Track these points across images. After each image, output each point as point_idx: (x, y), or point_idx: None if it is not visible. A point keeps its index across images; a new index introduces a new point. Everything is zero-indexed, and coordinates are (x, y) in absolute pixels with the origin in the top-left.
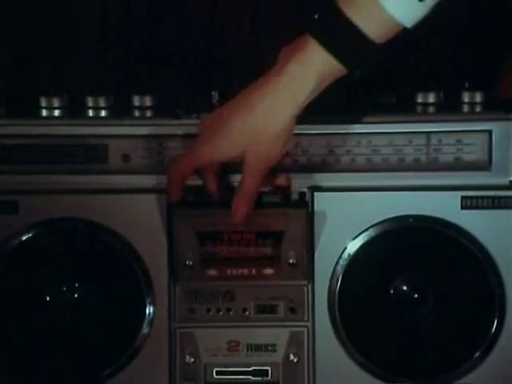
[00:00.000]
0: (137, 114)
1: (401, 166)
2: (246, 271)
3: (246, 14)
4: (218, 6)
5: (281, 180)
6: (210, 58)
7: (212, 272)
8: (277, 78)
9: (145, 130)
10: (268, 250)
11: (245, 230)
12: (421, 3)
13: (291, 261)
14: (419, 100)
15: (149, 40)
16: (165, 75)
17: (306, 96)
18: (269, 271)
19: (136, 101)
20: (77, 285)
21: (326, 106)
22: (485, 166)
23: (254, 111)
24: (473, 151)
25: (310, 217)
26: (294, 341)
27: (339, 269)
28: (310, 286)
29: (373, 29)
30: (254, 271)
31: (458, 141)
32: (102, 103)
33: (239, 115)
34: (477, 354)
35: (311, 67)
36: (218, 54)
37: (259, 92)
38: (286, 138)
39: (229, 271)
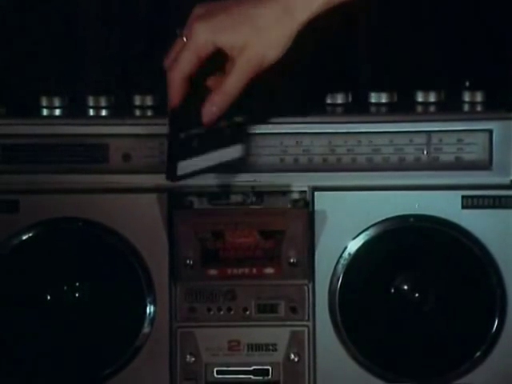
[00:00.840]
0: (137, 113)
1: (401, 166)
2: (246, 270)
3: None
4: None
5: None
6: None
7: (212, 271)
8: None
9: (145, 130)
10: (268, 250)
11: (245, 230)
12: None
13: (292, 260)
14: (420, 99)
15: (149, 40)
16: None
17: (318, 4)
18: (269, 270)
19: (137, 100)
20: (78, 284)
21: (327, 105)
22: (485, 165)
23: (265, 4)
24: (473, 151)
25: (311, 216)
26: (295, 340)
27: (340, 268)
28: (310, 286)
29: None
30: (254, 270)
31: (459, 140)
32: (102, 103)
33: (249, 4)
34: (477, 354)
35: None
36: None
37: None
38: (286, 44)
39: (229, 271)
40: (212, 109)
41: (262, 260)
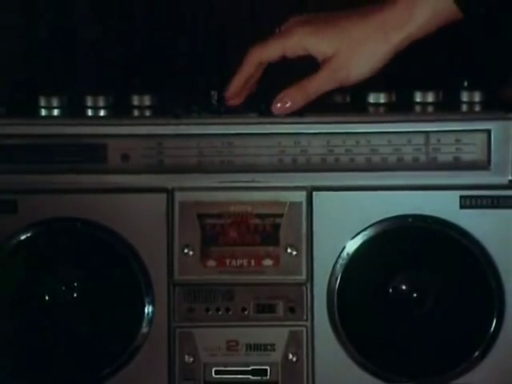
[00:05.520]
0: (136, 113)
1: (400, 166)
2: (245, 262)
3: (245, 14)
4: (217, 6)
5: None
6: (209, 58)
7: (211, 263)
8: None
9: (144, 130)
10: (267, 240)
11: (244, 220)
12: None
13: (290, 250)
14: (418, 99)
15: (148, 39)
16: (164, 75)
17: (415, 27)
18: (268, 262)
19: (135, 100)
20: (76, 284)
21: (326, 105)
22: (484, 165)
23: (362, 19)
24: (472, 151)
25: (310, 216)
26: (293, 340)
27: (338, 268)
28: (309, 286)
29: None
30: (253, 262)
31: (457, 140)
32: (101, 103)
33: (348, 18)
34: (475, 354)
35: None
36: (217, 53)
37: (376, 10)
38: (375, 64)
39: (228, 261)
40: (286, 102)
41: (260, 248)
